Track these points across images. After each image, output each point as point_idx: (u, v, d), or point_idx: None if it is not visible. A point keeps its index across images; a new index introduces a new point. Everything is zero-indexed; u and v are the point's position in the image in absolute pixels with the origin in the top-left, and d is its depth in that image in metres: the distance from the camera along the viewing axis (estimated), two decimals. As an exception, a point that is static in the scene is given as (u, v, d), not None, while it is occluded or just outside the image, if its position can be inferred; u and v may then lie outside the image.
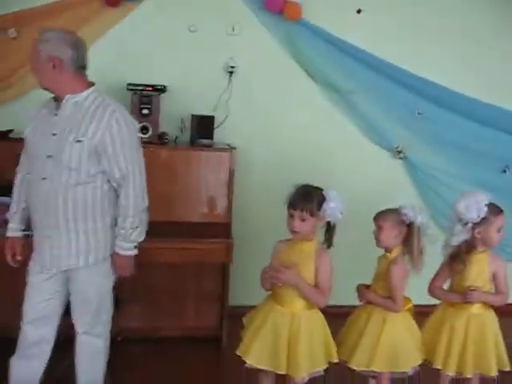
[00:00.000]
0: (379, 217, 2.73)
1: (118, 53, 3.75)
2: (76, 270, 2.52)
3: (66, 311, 2.74)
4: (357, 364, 2.66)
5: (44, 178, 2.38)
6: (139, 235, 2.53)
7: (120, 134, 2.37)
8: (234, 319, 3.07)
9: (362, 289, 2.76)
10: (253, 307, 2.78)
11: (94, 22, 3.72)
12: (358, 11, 3.99)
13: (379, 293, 2.72)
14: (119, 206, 2.46)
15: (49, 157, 2.36)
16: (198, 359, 3.60)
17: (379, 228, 2.70)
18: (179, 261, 3.40)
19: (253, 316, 2.71)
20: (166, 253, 3.27)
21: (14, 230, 2.65)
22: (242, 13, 3.92)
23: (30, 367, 2.64)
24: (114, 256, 2.54)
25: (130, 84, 3.56)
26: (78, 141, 2.32)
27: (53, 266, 2.53)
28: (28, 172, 2.56)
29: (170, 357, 3.58)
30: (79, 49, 2.44)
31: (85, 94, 2.40)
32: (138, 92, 3.55)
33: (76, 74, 2.41)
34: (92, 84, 2.46)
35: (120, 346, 2.96)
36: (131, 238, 2.49)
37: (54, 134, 2.36)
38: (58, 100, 2.41)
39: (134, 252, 2.55)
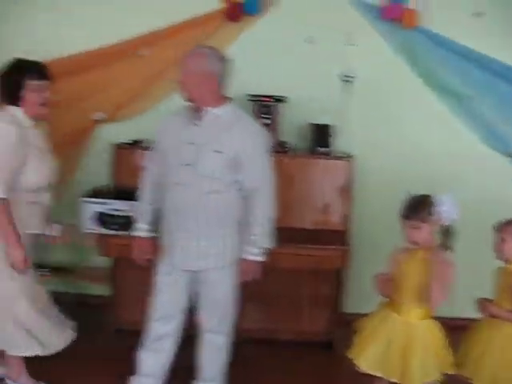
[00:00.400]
0: (503, 228, 2.70)
1: (239, 65, 4.05)
2: (206, 272, 2.80)
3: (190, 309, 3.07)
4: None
5: (181, 185, 2.63)
6: (268, 242, 2.78)
7: (255, 147, 2.65)
8: (347, 326, 3.23)
9: (485, 302, 2.68)
10: (365, 315, 2.88)
11: (218, 36, 4.03)
12: (478, 14, 4.02)
13: (505, 307, 2.63)
14: (251, 214, 2.69)
15: (187, 165, 2.61)
16: (310, 363, 3.77)
17: (502, 240, 2.68)
18: (296, 266, 3.60)
19: (367, 321, 2.81)
20: (284, 258, 3.46)
21: (142, 230, 2.95)
22: (358, 22, 4.05)
23: (156, 360, 2.97)
24: (242, 261, 2.77)
25: (250, 95, 3.82)
26: (218, 151, 2.57)
27: (184, 266, 2.82)
28: (160, 177, 2.83)
29: (283, 359, 3.77)
30: (226, 65, 2.74)
31: (224, 107, 2.65)
32: (259, 102, 3.81)
33: (220, 89, 2.71)
34: (230, 99, 2.72)
35: (237, 345, 3.17)
36: (260, 245, 2.73)
37: (193, 144, 2.60)
38: (197, 111, 2.65)
39: (262, 258, 2.79)
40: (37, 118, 2.74)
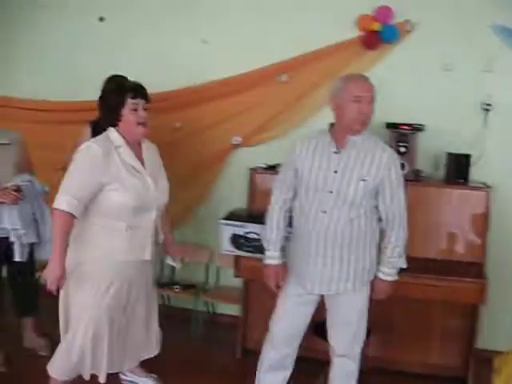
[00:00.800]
0: None
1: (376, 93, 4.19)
2: (342, 295, 2.90)
3: (317, 332, 3.22)
4: None
5: (324, 212, 2.73)
6: (403, 263, 2.90)
7: (396, 174, 2.74)
8: (481, 362, 3.20)
9: None
10: (500, 352, 2.85)
11: (355, 63, 4.16)
12: None
13: None
14: (388, 236, 2.82)
15: (330, 192, 2.72)
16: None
17: None
18: (427, 297, 3.64)
19: (508, 360, 2.76)
20: (416, 288, 3.53)
21: (275, 257, 3.03)
22: (498, 49, 4.02)
23: (276, 378, 3.13)
24: (377, 281, 2.89)
25: (389, 123, 3.90)
26: (363, 180, 2.68)
27: (318, 290, 2.92)
28: (290, 202, 2.96)
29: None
30: None
31: (362, 135, 2.72)
32: (396, 130, 3.89)
33: None
34: None
35: (362, 374, 3.21)
36: (396, 266, 2.86)
37: (336, 172, 2.71)
38: (339, 138, 2.74)
39: (396, 278, 2.90)
40: (135, 138, 2.83)
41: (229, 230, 3.76)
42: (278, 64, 4.27)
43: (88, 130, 3.90)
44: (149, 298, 3.16)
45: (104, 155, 2.65)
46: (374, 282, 2.88)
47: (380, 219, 2.81)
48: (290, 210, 2.93)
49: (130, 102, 2.72)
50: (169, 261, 3.29)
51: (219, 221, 3.84)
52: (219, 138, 4.47)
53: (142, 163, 2.84)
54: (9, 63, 4.95)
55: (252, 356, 3.36)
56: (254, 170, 4.12)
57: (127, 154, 2.77)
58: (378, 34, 4.06)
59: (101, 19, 4.74)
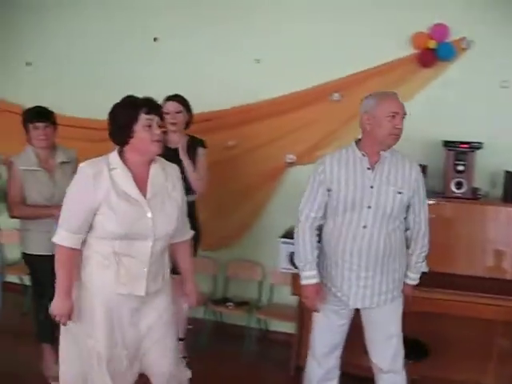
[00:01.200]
0: None
1: (432, 110, 4.20)
2: (381, 307, 2.97)
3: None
4: None
5: (365, 227, 2.82)
6: (425, 267, 3.12)
7: (423, 187, 2.93)
8: None
9: None
10: None
11: (409, 81, 4.18)
12: None
13: None
14: (415, 244, 3.01)
15: (368, 207, 2.81)
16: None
17: None
18: (489, 316, 3.61)
19: None
20: (474, 308, 3.54)
21: (313, 277, 2.96)
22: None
23: None
24: (405, 287, 3.05)
25: (446, 142, 3.89)
26: (399, 192, 2.79)
27: (363, 304, 2.97)
28: (331, 220, 2.95)
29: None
30: None
31: (389, 150, 2.84)
32: (454, 149, 3.88)
33: None
34: None
35: None
36: (420, 270, 3.07)
37: (372, 187, 2.80)
38: (366, 156, 2.84)
39: (418, 282, 3.08)
40: (148, 157, 2.54)
41: (286, 248, 3.80)
42: (330, 82, 4.32)
43: None
44: (164, 338, 2.73)
45: (94, 176, 2.41)
46: (404, 289, 3.04)
47: (406, 229, 2.96)
48: (319, 229, 2.98)
49: (143, 118, 2.44)
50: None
51: (278, 239, 3.90)
52: (273, 156, 4.53)
53: (145, 187, 2.52)
54: (61, 83, 5.11)
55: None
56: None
57: (122, 177, 2.46)
58: (434, 52, 4.07)
59: (155, 39, 4.84)
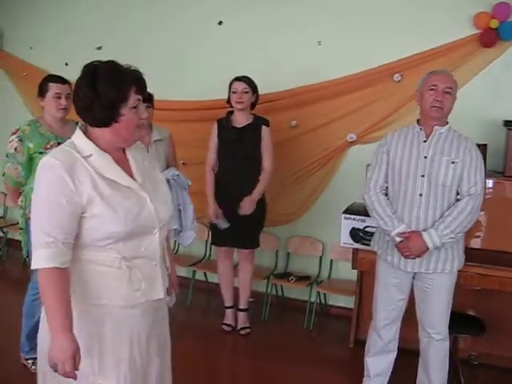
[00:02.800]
0: None
1: (493, 90, 4.25)
2: (435, 276, 3.14)
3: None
4: None
5: (420, 195, 3.01)
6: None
7: (477, 158, 3.02)
8: None
9: None
10: None
11: (470, 62, 4.26)
12: None
13: None
14: (445, 220, 3.02)
15: (422, 176, 3.00)
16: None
17: None
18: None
19: None
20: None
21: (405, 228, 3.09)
22: None
23: (384, 361, 3.42)
24: (413, 234, 3.05)
25: (507, 121, 3.94)
26: (453, 162, 2.96)
27: (418, 268, 3.13)
28: (391, 188, 3.18)
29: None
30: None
31: (447, 127, 3.07)
32: None
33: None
34: (447, 122, 3.09)
35: (474, 368, 3.43)
36: (443, 240, 3.08)
37: (426, 157, 3.00)
38: (423, 129, 3.07)
39: (432, 246, 3.08)
40: (128, 143, 2.06)
41: (349, 223, 3.98)
42: (392, 63, 4.44)
43: (216, 127, 4.25)
44: (164, 354, 2.23)
45: (69, 169, 1.86)
46: (410, 235, 3.04)
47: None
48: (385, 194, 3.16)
49: (133, 98, 1.92)
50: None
51: (340, 215, 4.04)
52: (334, 136, 4.70)
53: (129, 172, 2.04)
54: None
55: (364, 346, 3.55)
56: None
57: (103, 164, 1.94)
58: (496, 32, 4.13)
59: (220, 23, 5.03)
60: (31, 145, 3.39)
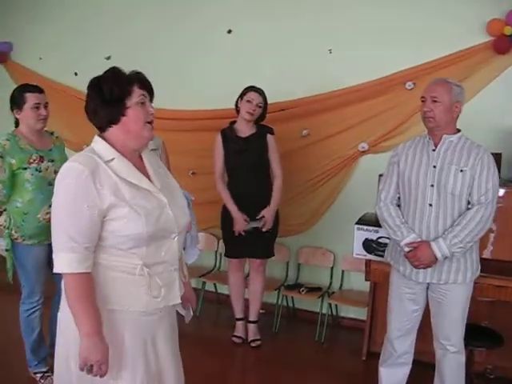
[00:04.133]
0: None
1: (507, 97, 4.16)
2: (448, 287, 3.06)
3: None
4: None
5: (430, 205, 2.96)
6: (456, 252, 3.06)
7: (488, 166, 2.92)
8: None
9: None
10: None
11: (484, 69, 4.19)
12: None
13: None
14: (455, 228, 2.95)
15: (432, 186, 2.95)
16: None
17: None
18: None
19: None
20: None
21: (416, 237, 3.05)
22: None
23: (398, 373, 3.35)
24: (424, 244, 2.99)
25: None
26: (461, 170, 2.89)
27: (430, 278, 3.07)
28: (401, 198, 3.14)
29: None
30: (463, 95, 3.07)
31: (458, 135, 3.00)
32: None
33: (456, 119, 3.04)
34: (459, 130, 3.03)
35: (490, 382, 3.39)
36: (452, 249, 3.01)
37: (435, 166, 2.95)
38: (432, 139, 3.01)
39: (442, 257, 3.03)
40: (140, 143, 2.08)
41: (362, 234, 3.92)
42: (404, 71, 4.38)
43: (219, 137, 4.20)
44: (178, 363, 2.27)
45: (92, 174, 1.90)
46: (420, 246, 2.98)
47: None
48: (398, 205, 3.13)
49: (137, 92, 1.98)
50: (178, 309, 2.28)
51: (353, 225, 4.00)
52: (346, 145, 4.64)
53: (148, 177, 2.08)
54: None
55: (377, 358, 3.48)
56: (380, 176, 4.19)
57: (124, 168, 1.99)
58: (510, 38, 4.06)
59: (229, 31, 5.00)
60: (13, 161, 3.23)
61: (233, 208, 4.09)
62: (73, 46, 5.74)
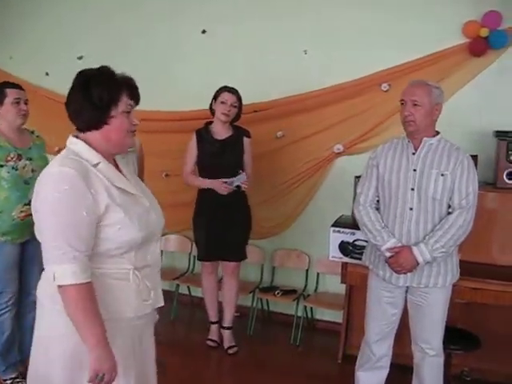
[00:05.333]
0: None
1: (483, 99, 4.10)
2: (427, 291, 3.00)
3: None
4: None
5: (411, 209, 2.88)
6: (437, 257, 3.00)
7: (468, 170, 2.86)
8: None
9: None
10: None
11: (460, 71, 4.13)
12: None
13: None
14: (436, 233, 2.89)
15: (412, 189, 2.87)
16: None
17: None
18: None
19: None
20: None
21: (394, 243, 2.96)
22: None
23: (375, 377, 3.29)
24: (405, 249, 2.93)
25: (498, 132, 3.81)
26: (442, 174, 2.82)
27: (410, 282, 3.01)
28: (381, 202, 3.04)
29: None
30: (441, 96, 2.99)
31: (437, 137, 2.93)
32: (506, 138, 3.78)
33: (435, 121, 2.97)
34: (438, 132, 2.95)
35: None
36: (434, 254, 2.96)
37: (415, 170, 2.87)
38: (411, 142, 2.93)
39: (423, 261, 2.96)
40: (119, 150, 2.00)
41: (338, 237, 3.84)
42: (380, 73, 4.30)
43: (195, 138, 4.07)
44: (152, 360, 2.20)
45: (84, 178, 1.80)
46: (401, 250, 2.92)
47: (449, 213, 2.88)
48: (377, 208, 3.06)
49: (124, 101, 1.89)
50: None
51: (329, 228, 3.90)
52: (321, 147, 4.54)
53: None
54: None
55: (353, 361, 3.41)
56: (357, 177, 4.12)
57: (110, 172, 1.91)
58: (486, 40, 4.01)
59: (203, 32, 4.88)
60: None
61: (206, 181, 3.93)
62: (45, 46, 5.57)
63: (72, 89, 1.90)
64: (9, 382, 3.54)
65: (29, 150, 3.39)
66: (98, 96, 1.82)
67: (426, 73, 4.08)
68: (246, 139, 4.06)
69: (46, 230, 1.80)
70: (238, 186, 3.90)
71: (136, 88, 1.97)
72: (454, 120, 3.85)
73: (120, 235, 1.85)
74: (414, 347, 3.19)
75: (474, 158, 3.58)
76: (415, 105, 2.82)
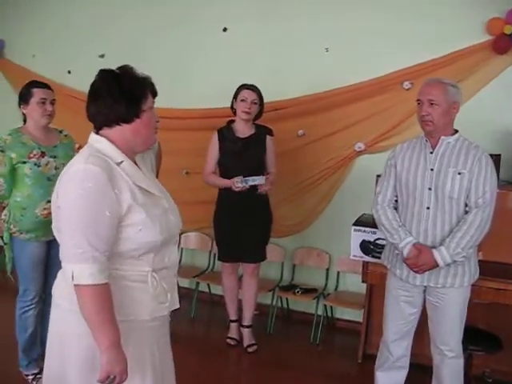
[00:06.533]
0: None
1: (506, 98, 4.05)
2: (446, 291, 2.97)
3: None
4: None
5: (428, 208, 2.87)
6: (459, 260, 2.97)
7: (486, 168, 2.81)
8: None
9: None
10: None
11: (483, 69, 4.07)
12: None
13: None
14: (455, 236, 2.86)
15: (429, 189, 2.85)
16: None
17: None
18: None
19: None
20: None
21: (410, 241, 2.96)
22: None
23: (397, 377, 3.25)
24: (422, 247, 2.91)
25: None
26: (459, 173, 2.79)
27: (427, 281, 2.99)
28: (399, 201, 3.01)
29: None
30: (460, 95, 2.93)
31: (456, 136, 2.88)
32: None
33: (453, 120, 2.92)
34: (456, 131, 2.91)
35: None
36: (455, 257, 2.93)
37: (432, 169, 2.85)
38: (429, 141, 2.90)
39: (444, 264, 2.94)
40: (144, 147, 1.99)
41: (359, 235, 3.81)
42: (402, 71, 4.26)
43: (216, 137, 4.06)
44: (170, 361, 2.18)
45: (109, 177, 1.78)
46: (420, 248, 2.90)
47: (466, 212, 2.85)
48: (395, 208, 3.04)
49: (150, 99, 1.91)
50: None
51: (350, 227, 3.88)
52: (342, 145, 4.51)
53: None
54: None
55: (373, 361, 3.38)
56: (378, 176, 4.08)
57: (133, 172, 1.89)
58: (510, 38, 3.94)
59: (224, 29, 4.87)
60: (13, 155, 3.21)
61: (226, 181, 3.87)
62: (66, 44, 5.61)
63: (102, 84, 1.87)
64: (31, 377, 3.58)
65: (54, 148, 3.41)
66: (130, 89, 1.82)
67: (449, 71, 4.03)
68: (268, 137, 4.04)
69: (66, 227, 1.77)
70: (254, 187, 3.83)
71: (155, 87, 1.97)
72: (477, 118, 3.81)
73: (140, 236, 1.82)
74: (433, 349, 3.15)
75: (497, 157, 3.56)
76: (432, 104, 2.78)
